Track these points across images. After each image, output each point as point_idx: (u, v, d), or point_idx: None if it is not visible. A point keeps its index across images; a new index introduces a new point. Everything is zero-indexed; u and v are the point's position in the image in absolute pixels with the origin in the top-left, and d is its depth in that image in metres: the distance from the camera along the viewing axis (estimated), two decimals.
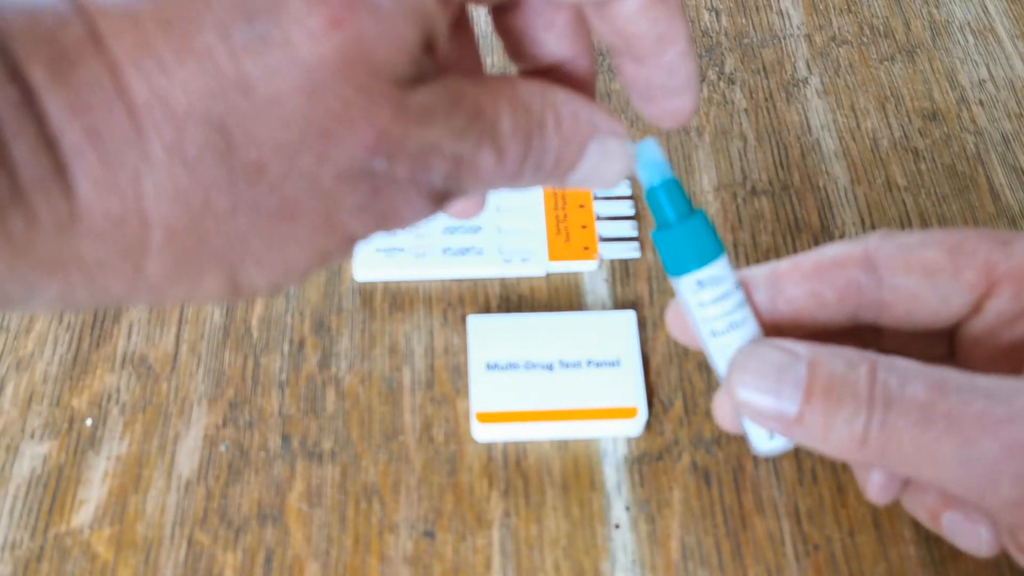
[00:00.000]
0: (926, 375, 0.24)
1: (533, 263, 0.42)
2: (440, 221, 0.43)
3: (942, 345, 0.29)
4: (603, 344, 0.40)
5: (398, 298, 0.42)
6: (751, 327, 0.27)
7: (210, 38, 0.18)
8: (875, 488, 0.28)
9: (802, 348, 0.25)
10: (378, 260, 0.42)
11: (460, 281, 0.43)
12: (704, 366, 0.40)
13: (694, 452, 0.38)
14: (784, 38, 0.53)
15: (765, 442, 0.27)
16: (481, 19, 0.51)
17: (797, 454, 0.38)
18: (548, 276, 0.43)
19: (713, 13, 0.54)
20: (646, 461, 0.38)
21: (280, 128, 0.19)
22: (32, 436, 0.38)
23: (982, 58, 0.52)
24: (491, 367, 0.39)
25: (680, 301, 0.27)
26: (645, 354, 0.40)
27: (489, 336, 0.40)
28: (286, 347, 0.40)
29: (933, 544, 0.36)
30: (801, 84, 0.50)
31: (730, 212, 0.45)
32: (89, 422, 0.38)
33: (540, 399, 0.38)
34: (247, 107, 0.18)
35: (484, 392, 0.38)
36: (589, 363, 0.39)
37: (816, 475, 0.38)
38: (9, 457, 0.37)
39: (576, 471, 0.38)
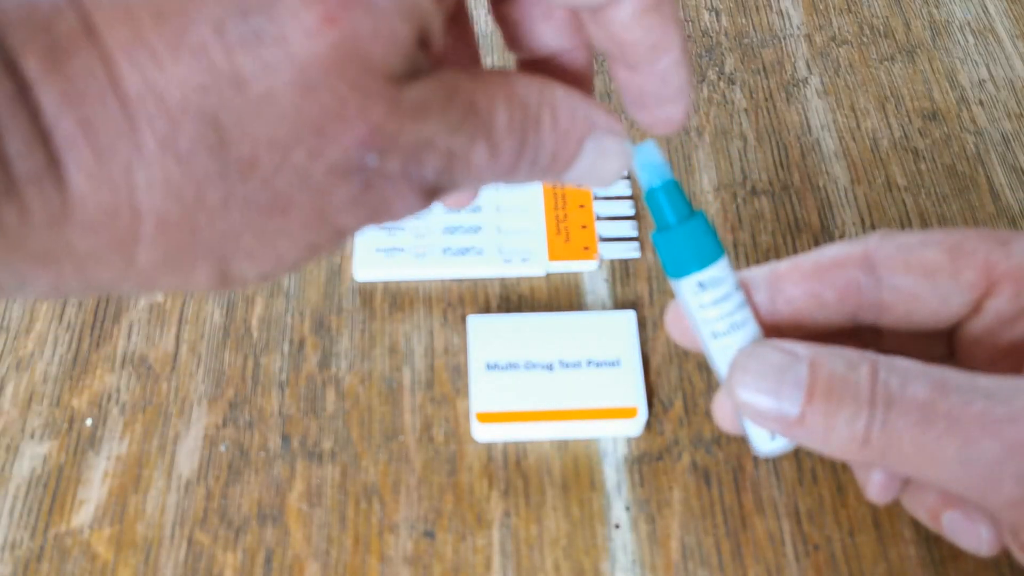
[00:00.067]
0: (927, 375, 0.24)
1: (533, 263, 0.42)
2: (440, 221, 0.43)
3: (941, 345, 0.29)
4: (603, 344, 0.40)
5: (398, 298, 0.42)
6: (752, 328, 0.27)
7: (205, 32, 0.18)
8: (875, 488, 0.28)
9: (803, 349, 0.25)
10: (378, 260, 0.42)
11: (460, 281, 0.43)
12: (704, 366, 0.40)
13: (694, 452, 0.38)
14: (784, 38, 0.53)
15: (766, 443, 0.27)
16: (481, 19, 0.51)
17: (797, 454, 0.38)
18: (548, 276, 0.43)
19: (713, 13, 0.54)
20: (646, 461, 0.38)
21: (273, 123, 0.19)
22: (32, 436, 0.38)
23: (982, 58, 0.52)
24: (491, 367, 0.39)
25: (680, 303, 0.27)
26: (645, 354, 0.40)
27: (489, 336, 0.40)
28: (286, 347, 0.40)
29: (933, 544, 0.36)
30: (801, 84, 0.50)
31: (730, 212, 0.45)
32: (89, 422, 0.38)
33: (540, 399, 0.38)
34: (240, 102, 0.19)
35: (484, 392, 0.38)
36: (589, 363, 0.39)
37: (816, 475, 0.38)
38: (9, 457, 0.37)
39: (576, 471, 0.38)
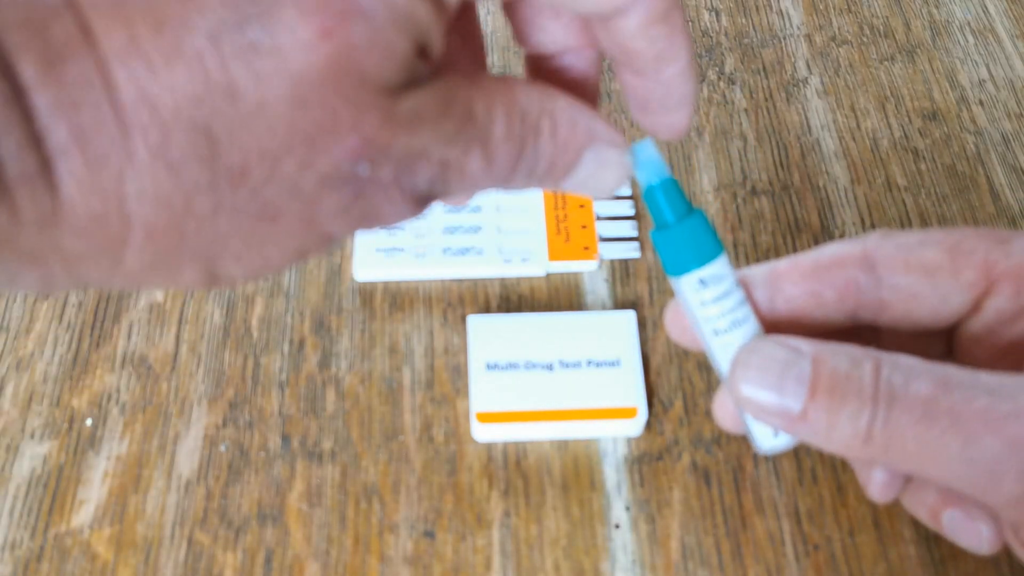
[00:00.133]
0: (929, 372, 0.24)
1: (533, 263, 0.42)
2: (440, 221, 0.43)
3: (940, 344, 0.29)
4: (603, 344, 0.40)
5: (398, 298, 0.42)
6: (753, 325, 0.27)
7: (200, 42, 0.18)
8: (877, 486, 0.28)
9: (806, 345, 0.25)
10: (378, 260, 0.42)
11: (460, 281, 0.43)
12: (704, 366, 0.40)
13: (694, 452, 0.38)
14: (784, 38, 0.53)
15: (769, 440, 0.27)
16: (481, 18, 0.51)
17: (797, 454, 0.38)
18: (548, 276, 0.43)
19: (713, 13, 0.54)
20: (646, 461, 0.38)
21: (265, 134, 0.19)
22: (32, 436, 0.38)
23: (982, 58, 0.52)
24: (491, 367, 0.39)
25: (680, 301, 0.27)
26: (645, 354, 0.40)
27: (489, 336, 0.40)
28: (286, 347, 0.40)
29: (933, 544, 0.36)
30: (801, 84, 0.50)
31: (730, 212, 0.45)
32: (89, 422, 0.38)
33: (540, 399, 0.38)
34: (233, 113, 0.19)
35: (484, 392, 0.38)
36: (589, 363, 0.39)
37: (816, 475, 0.38)
38: (9, 457, 0.37)
39: (576, 471, 0.38)
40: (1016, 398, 0.24)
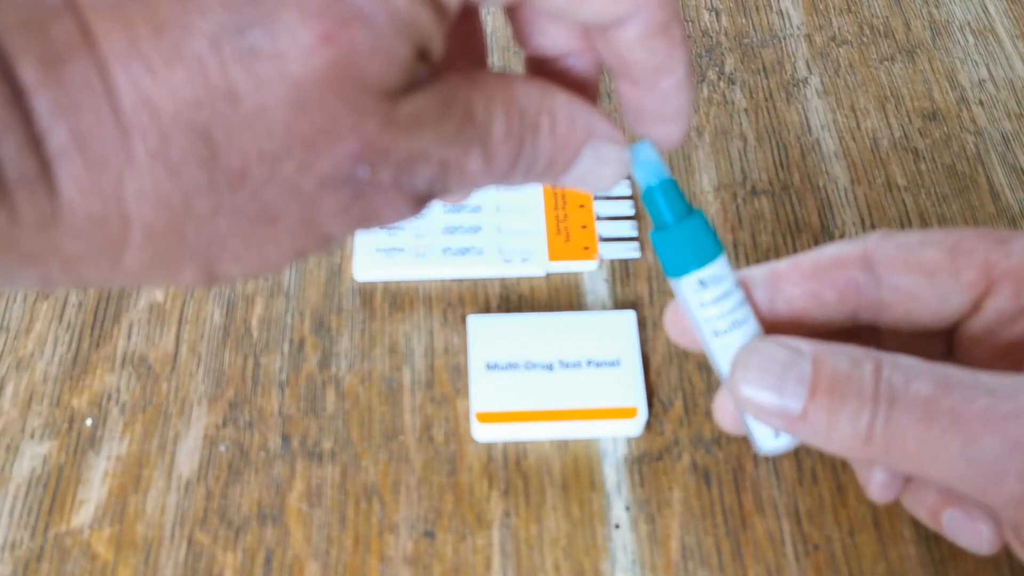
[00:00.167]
0: (930, 372, 0.24)
1: (533, 263, 0.42)
2: (440, 221, 0.43)
3: (940, 345, 0.29)
4: (603, 344, 0.40)
5: (398, 298, 0.42)
6: (753, 325, 0.27)
7: (201, 46, 0.18)
8: (877, 487, 0.28)
9: (806, 345, 0.25)
10: (378, 260, 0.42)
11: (460, 281, 0.43)
12: (704, 366, 0.40)
13: (694, 452, 0.38)
14: (784, 38, 0.53)
15: (770, 440, 0.27)
16: (484, 18, 0.51)
17: (797, 454, 0.38)
18: (548, 276, 0.43)
19: (713, 13, 0.54)
20: (646, 461, 0.38)
21: (264, 138, 0.19)
22: (32, 436, 0.38)
23: (982, 58, 0.52)
24: (491, 367, 0.39)
25: (680, 302, 0.27)
26: (645, 354, 0.40)
27: (489, 336, 0.40)
28: (286, 347, 0.40)
29: (933, 544, 0.36)
30: (801, 84, 0.50)
31: (730, 212, 0.45)
32: (89, 422, 0.38)
33: (540, 399, 0.38)
34: (233, 117, 0.19)
35: (484, 392, 0.38)
36: (589, 363, 0.39)
37: (816, 475, 0.38)
38: (9, 457, 0.37)
39: (576, 471, 0.38)
40: (1016, 398, 0.24)
